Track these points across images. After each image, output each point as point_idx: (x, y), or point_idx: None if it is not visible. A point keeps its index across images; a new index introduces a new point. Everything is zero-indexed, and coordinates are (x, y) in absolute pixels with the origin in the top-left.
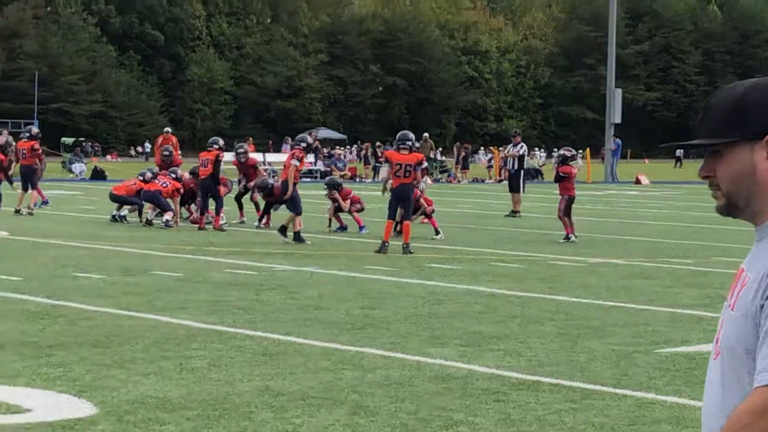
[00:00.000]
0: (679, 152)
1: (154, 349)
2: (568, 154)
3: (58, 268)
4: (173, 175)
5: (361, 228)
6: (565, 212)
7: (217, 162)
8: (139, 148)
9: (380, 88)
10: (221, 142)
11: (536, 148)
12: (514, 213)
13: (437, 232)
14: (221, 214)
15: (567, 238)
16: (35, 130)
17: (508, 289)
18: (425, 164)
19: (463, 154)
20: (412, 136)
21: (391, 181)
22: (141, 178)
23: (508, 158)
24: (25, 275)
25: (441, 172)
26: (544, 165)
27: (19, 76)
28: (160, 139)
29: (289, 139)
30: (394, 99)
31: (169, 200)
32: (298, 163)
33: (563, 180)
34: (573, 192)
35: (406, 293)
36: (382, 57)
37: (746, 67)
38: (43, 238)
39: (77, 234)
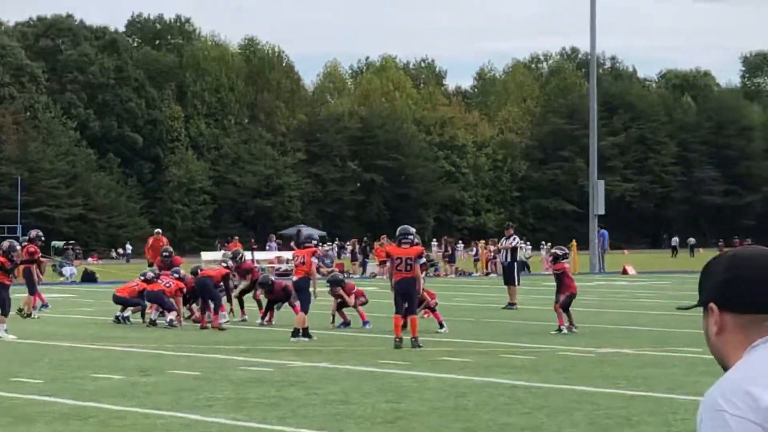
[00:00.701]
0: (675, 242)
1: None
2: (559, 252)
3: (74, 370)
4: (176, 275)
5: (365, 323)
6: (563, 306)
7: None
8: (120, 250)
9: (358, 185)
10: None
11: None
12: (511, 305)
13: (441, 326)
14: (222, 312)
15: (559, 329)
16: (34, 233)
17: (526, 381)
18: (424, 258)
19: (449, 248)
20: (412, 230)
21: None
22: (143, 278)
23: (501, 251)
24: (45, 377)
25: (428, 267)
26: (530, 257)
27: (0, 181)
28: (150, 240)
29: (274, 237)
30: (373, 195)
31: (171, 300)
32: (317, 261)
33: (561, 277)
34: (574, 289)
35: (425, 387)
36: (359, 153)
37: (722, 156)
38: (52, 341)
39: (84, 336)
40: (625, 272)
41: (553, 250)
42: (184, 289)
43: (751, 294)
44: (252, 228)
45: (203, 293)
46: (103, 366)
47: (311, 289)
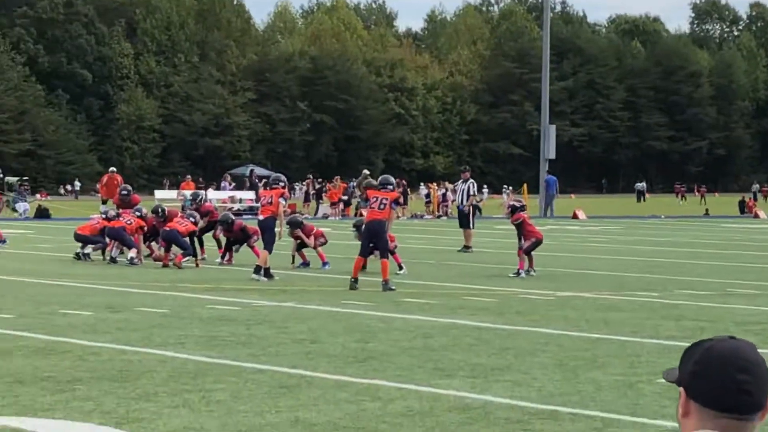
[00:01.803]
0: (640, 186)
1: (172, 383)
2: (517, 204)
3: (42, 305)
4: (137, 213)
5: (324, 264)
6: (526, 251)
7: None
8: (69, 187)
9: (308, 125)
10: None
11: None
12: (466, 248)
13: (400, 267)
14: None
15: (518, 273)
16: None
17: (491, 323)
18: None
19: (401, 190)
20: (393, 180)
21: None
22: (104, 216)
23: (458, 193)
24: (15, 313)
25: None
26: (482, 201)
27: None
28: (105, 178)
29: (228, 176)
30: (322, 136)
31: (131, 237)
32: (285, 203)
33: (521, 227)
34: (539, 235)
35: (392, 327)
36: (309, 94)
37: (670, 102)
38: (16, 276)
39: (47, 272)
40: (575, 217)
41: (511, 203)
42: (145, 227)
43: (712, 393)
44: (201, 167)
45: (171, 243)
46: (70, 302)
47: (277, 230)
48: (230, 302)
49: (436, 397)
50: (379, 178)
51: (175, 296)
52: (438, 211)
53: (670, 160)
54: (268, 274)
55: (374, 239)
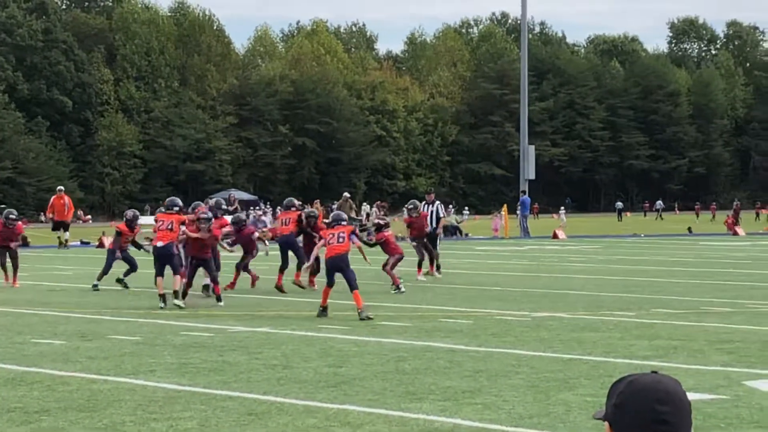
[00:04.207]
0: (619, 205)
1: (140, 411)
2: (381, 222)
3: (14, 335)
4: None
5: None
6: (392, 267)
7: (299, 221)
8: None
9: (290, 149)
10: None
11: (450, 206)
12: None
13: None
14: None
15: (398, 288)
16: None
17: (465, 345)
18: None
19: (383, 213)
20: (345, 216)
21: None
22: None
23: (427, 217)
24: None
25: (361, 231)
26: (462, 222)
27: None
28: (54, 199)
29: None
30: (304, 159)
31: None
32: (183, 228)
33: (384, 245)
34: (400, 252)
35: (366, 351)
36: (290, 118)
37: (649, 122)
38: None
39: (22, 301)
40: (555, 237)
41: (375, 221)
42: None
43: (633, 424)
44: (183, 192)
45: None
46: (43, 331)
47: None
48: (205, 328)
49: (405, 421)
50: (331, 216)
51: (149, 323)
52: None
53: (650, 178)
54: (185, 295)
55: (340, 272)
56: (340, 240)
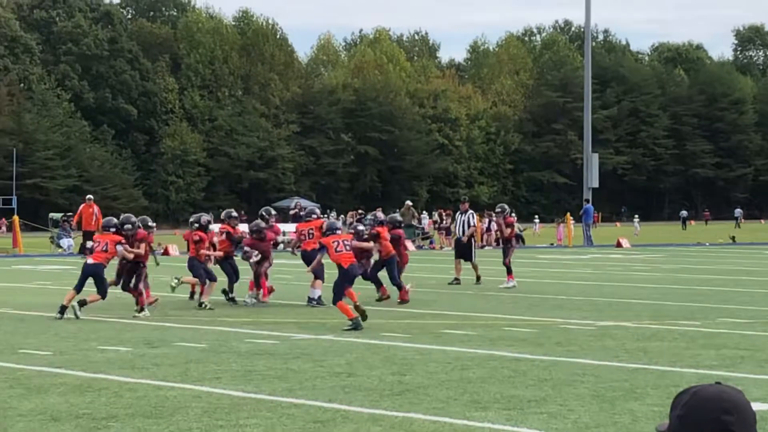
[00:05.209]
0: (684, 214)
1: (206, 418)
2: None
3: (81, 342)
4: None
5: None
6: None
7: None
8: (76, 223)
9: (352, 157)
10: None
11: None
12: (456, 281)
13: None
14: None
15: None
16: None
17: (530, 354)
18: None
19: (447, 220)
20: (339, 224)
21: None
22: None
23: (457, 225)
24: (54, 350)
25: (423, 239)
26: (525, 230)
27: None
28: (82, 207)
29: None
30: (366, 167)
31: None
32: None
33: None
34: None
35: (430, 359)
36: (353, 126)
37: (713, 129)
38: (56, 313)
39: (88, 308)
40: (619, 245)
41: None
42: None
43: None
44: (246, 200)
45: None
46: (109, 338)
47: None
48: (269, 336)
49: (470, 430)
50: (325, 225)
51: (214, 330)
52: (481, 241)
53: (715, 187)
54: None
55: (352, 281)
56: (347, 248)
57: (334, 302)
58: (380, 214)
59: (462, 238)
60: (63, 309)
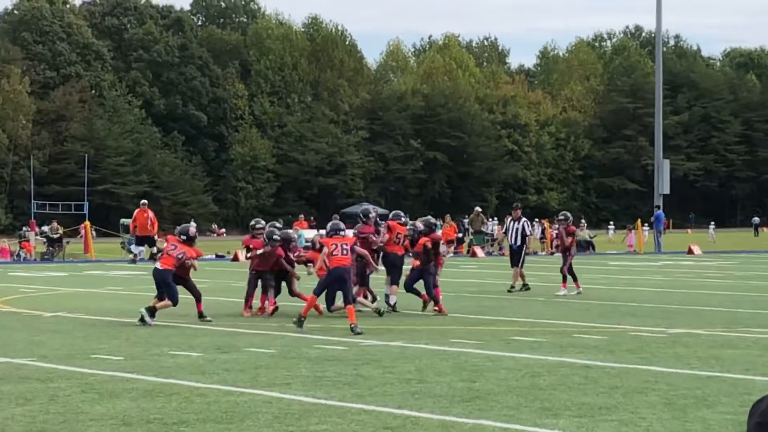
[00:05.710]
0: (756, 220)
1: (277, 424)
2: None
3: (152, 347)
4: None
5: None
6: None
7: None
8: (133, 229)
9: (421, 163)
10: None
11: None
12: (512, 287)
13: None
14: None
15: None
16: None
17: (600, 361)
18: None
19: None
20: (343, 225)
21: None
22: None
23: (510, 233)
24: (125, 355)
25: (492, 245)
26: (595, 236)
27: (66, 158)
28: (137, 213)
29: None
30: (435, 173)
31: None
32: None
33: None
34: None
35: (500, 366)
36: (422, 132)
37: None
38: (129, 318)
39: (159, 313)
40: (690, 252)
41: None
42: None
43: None
44: (315, 206)
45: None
46: (180, 343)
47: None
48: (338, 342)
49: None
50: (329, 225)
51: (283, 336)
52: (551, 247)
53: None
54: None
55: (342, 284)
56: (344, 252)
57: (314, 293)
58: (419, 224)
59: (516, 246)
60: (152, 312)
